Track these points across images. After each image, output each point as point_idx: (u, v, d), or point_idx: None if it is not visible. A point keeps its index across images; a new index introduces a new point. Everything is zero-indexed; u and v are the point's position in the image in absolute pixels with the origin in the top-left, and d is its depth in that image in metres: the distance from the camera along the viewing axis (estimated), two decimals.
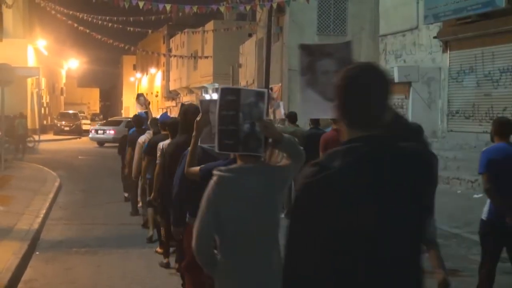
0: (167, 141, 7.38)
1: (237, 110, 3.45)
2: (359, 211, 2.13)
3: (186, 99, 57.22)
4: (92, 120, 70.30)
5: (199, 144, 4.29)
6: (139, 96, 13.11)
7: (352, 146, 2.20)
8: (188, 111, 5.73)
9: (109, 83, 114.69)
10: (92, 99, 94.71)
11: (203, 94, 49.00)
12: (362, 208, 2.13)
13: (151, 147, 8.46)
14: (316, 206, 2.17)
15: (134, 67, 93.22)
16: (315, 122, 10.43)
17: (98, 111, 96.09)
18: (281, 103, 15.35)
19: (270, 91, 21.30)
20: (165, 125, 8.12)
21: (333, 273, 2.19)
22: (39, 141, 34.47)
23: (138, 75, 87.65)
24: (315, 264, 2.19)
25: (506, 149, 5.78)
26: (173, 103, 62.68)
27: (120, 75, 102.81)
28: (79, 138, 41.82)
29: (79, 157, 25.95)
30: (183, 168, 4.47)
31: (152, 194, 7.96)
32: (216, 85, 47.68)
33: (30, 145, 28.36)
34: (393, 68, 17.12)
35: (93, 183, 16.98)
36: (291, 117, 11.26)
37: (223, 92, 3.56)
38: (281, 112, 13.71)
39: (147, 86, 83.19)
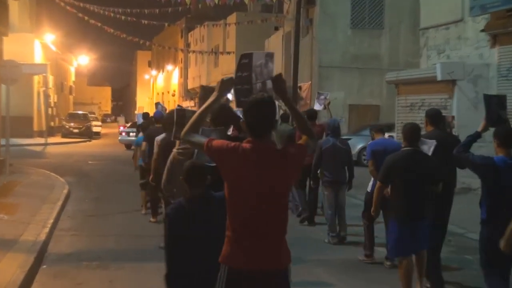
0: (163, 135, 10.15)
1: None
2: None
3: None
4: (104, 121, 70.91)
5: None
6: (157, 104, 16.38)
7: None
8: (170, 114, 9.26)
9: (121, 82, 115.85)
10: (104, 99, 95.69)
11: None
12: None
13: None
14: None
15: (149, 64, 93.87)
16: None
17: (109, 112, 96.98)
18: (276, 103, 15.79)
19: (299, 89, 21.27)
20: (161, 120, 11.44)
21: None
22: (46, 144, 34.88)
23: (154, 72, 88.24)
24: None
25: (383, 142, 9.41)
26: (192, 103, 62.88)
27: (134, 72, 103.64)
28: (89, 141, 42.17)
29: (89, 162, 26.12)
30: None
31: (151, 176, 10.53)
32: None
33: None
34: (436, 65, 16.98)
35: (105, 191, 17.07)
36: (284, 118, 13.60)
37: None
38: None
39: (163, 85, 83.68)
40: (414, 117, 18.38)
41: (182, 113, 7.29)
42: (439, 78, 16.41)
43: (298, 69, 23.71)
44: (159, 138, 10.28)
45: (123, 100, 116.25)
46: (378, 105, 27.30)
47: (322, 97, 14.68)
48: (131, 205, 13.89)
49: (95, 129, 47.32)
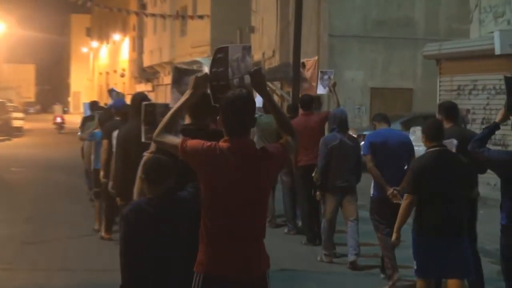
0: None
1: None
2: None
3: (168, 80, 57.43)
4: (26, 112, 70.48)
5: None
6: (111, 91, 17.23)
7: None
8: (135, 98, 9.57)
9: (50, 57, 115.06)
10: (25, 81, 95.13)
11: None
12: None
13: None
14: None
15: (88, 32, 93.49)
16: (292, 111, 14.91)
17: (33, 99, 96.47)
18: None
19: (302, 67, 21.41)
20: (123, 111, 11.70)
21: None
22: None
23: (94, 44, 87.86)
24: None
25: (385, 133, 10.21)
26: (149, 86, 62.61)
27: (67, 44, 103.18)
28: (9, 140, 41.97)
29: (12, 169, 26.07)
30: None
31: (112, 182, 10.56)
32: None
33: None
34: (493, 34, 17.14)
35: (40, 208, 16.97)
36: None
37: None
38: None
39: (108, 61, 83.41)
40: (463, 105, 18.43)
41: (151, 109, 7.83)
42: (497, 51, 16.58)
43: (300, 39, 23.75)
44: (115, 133, 10.64)
45: (51, 83, 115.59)
46: (411, 89, 27.42)
47: (326, 76, 15.13)
48: (81, 227, 13.93)
49: (15, 123, 47.04)
